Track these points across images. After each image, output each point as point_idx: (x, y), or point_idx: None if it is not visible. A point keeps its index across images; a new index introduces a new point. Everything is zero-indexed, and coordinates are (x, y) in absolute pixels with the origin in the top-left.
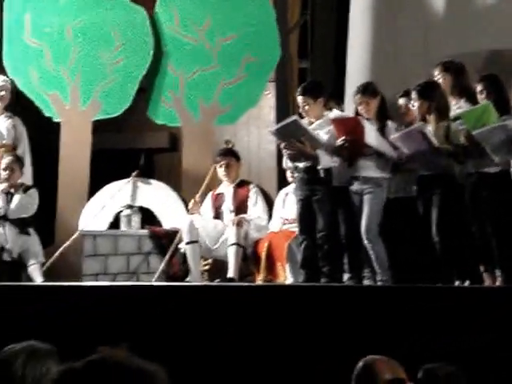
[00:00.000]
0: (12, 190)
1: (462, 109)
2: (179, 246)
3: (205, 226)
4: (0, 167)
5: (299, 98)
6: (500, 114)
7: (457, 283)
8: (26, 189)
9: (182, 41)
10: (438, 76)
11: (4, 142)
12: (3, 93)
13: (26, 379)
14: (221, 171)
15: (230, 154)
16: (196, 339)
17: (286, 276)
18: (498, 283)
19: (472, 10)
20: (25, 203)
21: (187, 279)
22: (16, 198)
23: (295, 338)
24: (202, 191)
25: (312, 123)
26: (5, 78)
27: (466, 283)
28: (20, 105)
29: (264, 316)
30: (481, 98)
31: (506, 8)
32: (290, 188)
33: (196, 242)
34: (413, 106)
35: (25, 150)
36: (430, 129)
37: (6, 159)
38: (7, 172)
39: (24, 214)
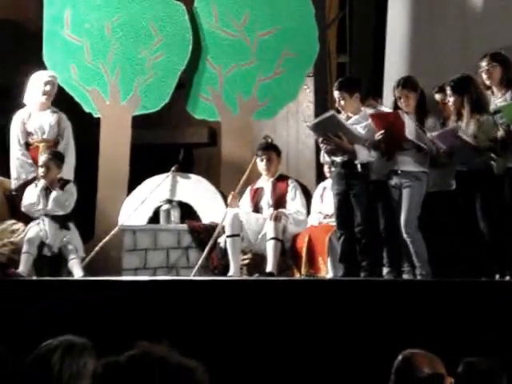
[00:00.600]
0: (49, 186)
1: (506, 102)
2: (218, 240)
3: (248, 220)
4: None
5: (335, 93)
6: None
7: (497, 277)
8: (64, 184)
9: (220, 36)
10: (486, 67)
11: (45, 137)
12: (49, 87)
13: (64, 373)
14: (261, 165)
15: (271, 149)
16: (235, 333)
17: (327, 270)
18: None
19: (508, 4)
20: (62, 200)
21: (228, 274)
22: (53, 195)
23: (335, 332)
24: (240, 185)
25: (349, 118)
26: (52, 73)
27: (507, 278)
28: (65, 100)
29: (303, 310)
30: None
31: None
32: (328, 182)
33: (238, 235)
34: (448, 101)
35: (68, 145)
36: (463, 124)
37: (43, 157)
38: (43, 170)
39: (62, 212)
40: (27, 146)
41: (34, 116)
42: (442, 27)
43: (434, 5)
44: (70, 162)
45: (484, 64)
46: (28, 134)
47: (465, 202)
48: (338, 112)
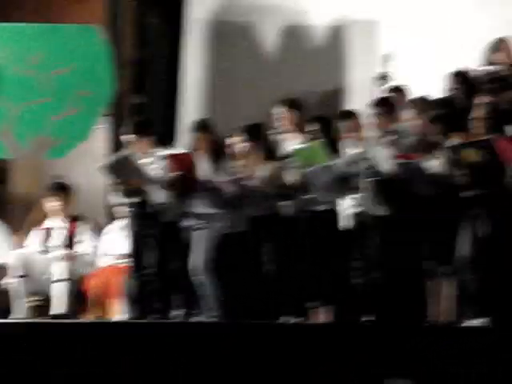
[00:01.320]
0: None
1: (301, 146)
2: (6, 280)
3: (36, 261)
4: None
5: (128, 137)
6: (330, 154)
7: (284, 319)
8: None
9: (11, 72)
10: (284, 114)
11: None
12: None
13: None
14: (52, 205)
15: (62, 188)
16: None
17: (119, 312)
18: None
19: (299, 54)
20: None
21: (12, 315)
22: None
23: (128, 375)
24: (29, 225)
25: (143, 159)
26: None
27: (293, 320)
28: None
29: (98, 353)
30: (313, 137)
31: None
32: (120, 223)
33: (25, 276)
34: (241, 147)
35: None
36: (255, 170)
37: None
38: None
39: None
40: None
41: None
42: (238, 71)
43: (231, 52)
44: None
45: (279, 110)
46: None
47: (254, 245)
48: (132, 153)
